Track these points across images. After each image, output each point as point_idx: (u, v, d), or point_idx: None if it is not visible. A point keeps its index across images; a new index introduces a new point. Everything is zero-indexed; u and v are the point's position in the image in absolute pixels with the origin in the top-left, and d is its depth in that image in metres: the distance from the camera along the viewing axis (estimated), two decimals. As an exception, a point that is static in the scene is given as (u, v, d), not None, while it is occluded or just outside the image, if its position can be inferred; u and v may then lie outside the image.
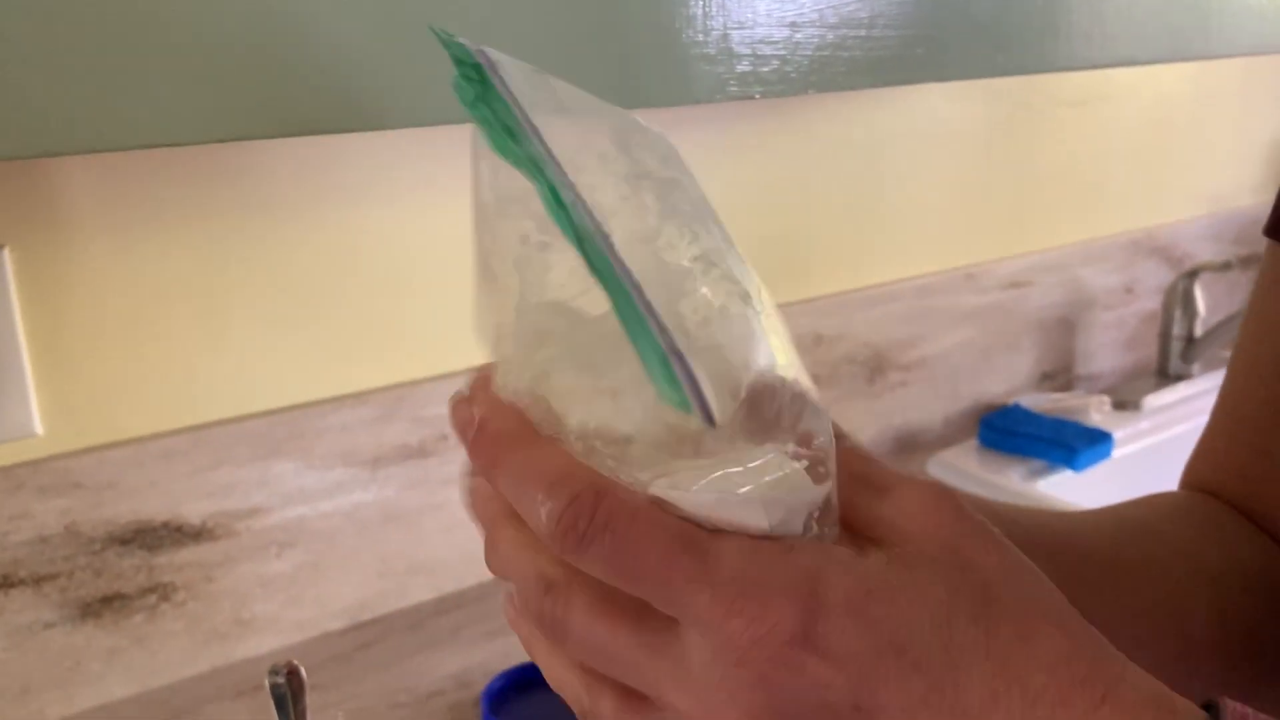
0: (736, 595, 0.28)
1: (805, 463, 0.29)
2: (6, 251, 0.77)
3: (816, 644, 0.27)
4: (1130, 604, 0.47)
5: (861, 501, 0.30)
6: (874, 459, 0.32)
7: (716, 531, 0.29)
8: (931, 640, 0.27)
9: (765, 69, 0.62)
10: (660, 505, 0.29)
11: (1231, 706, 0.30)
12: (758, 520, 0.28)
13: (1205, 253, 1.52)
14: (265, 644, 0.90)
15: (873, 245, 1.23)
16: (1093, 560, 0.47)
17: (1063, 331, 1.40)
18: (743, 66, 0.62)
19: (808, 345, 1.16)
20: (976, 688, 0.27)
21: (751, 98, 0.62)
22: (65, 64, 0.46)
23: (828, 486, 0.29)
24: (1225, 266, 1.37)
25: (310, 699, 0.85)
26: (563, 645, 0.31)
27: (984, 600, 0.28)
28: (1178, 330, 1.41)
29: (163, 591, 0.85)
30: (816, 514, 0.29)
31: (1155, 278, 1.48)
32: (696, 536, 0.28)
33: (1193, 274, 1.39)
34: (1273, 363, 0.51)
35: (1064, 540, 0.47)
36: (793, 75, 0.64)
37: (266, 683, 0.55)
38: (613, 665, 0.30)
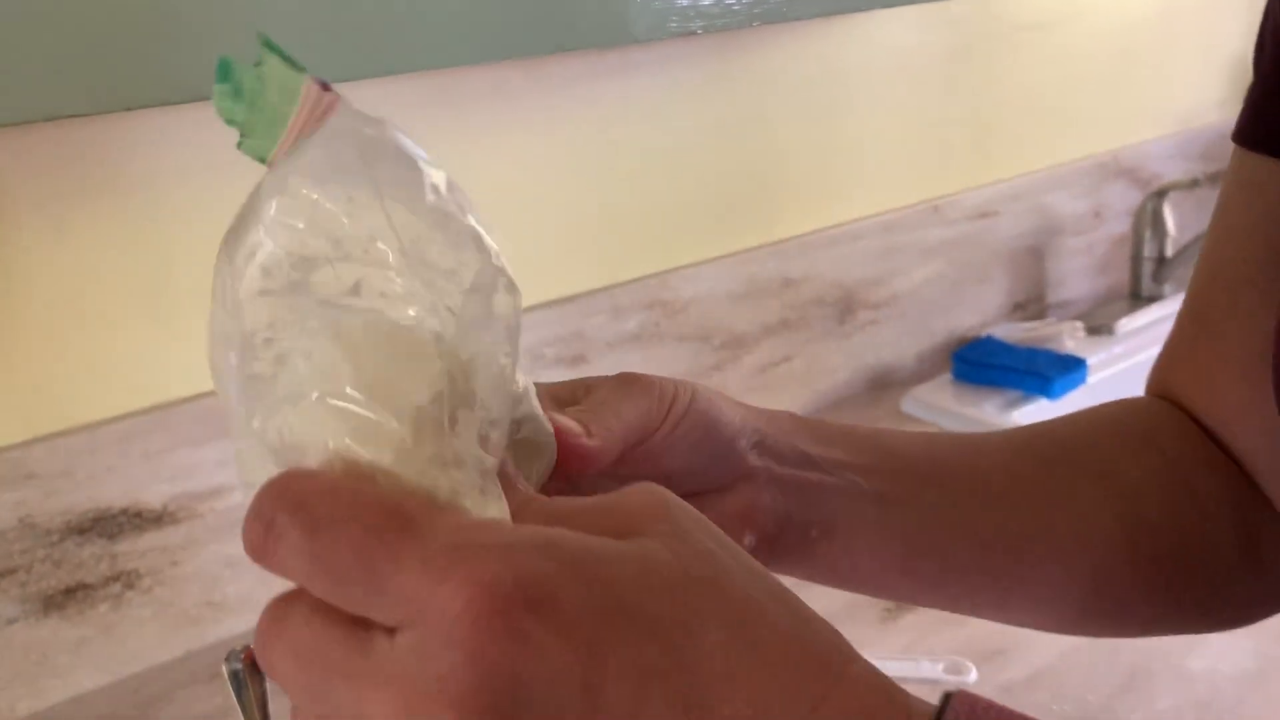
0: (448, 561, 0.24)
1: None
2: (-66, 239, 0.74)
3: (538, 606, 0.23)
4: (1032, 527, 0.47)
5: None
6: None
7: (439, 508, 0.26)
8: (665, 603, 0.25)
9: (705, 2, 0.60)
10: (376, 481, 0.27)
11: (960, 697, 0.28)
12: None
13: (1173, 172, 1.50)
14: (239, 625, 0.88)
15: (835, 183, 1.20)
16: (992, 483, 0.47)
17: (1032, 260, 1.39)
18: (683, 0, 0.59)
19: (775, 289, 1.15)
20: (713, 654, 0.25)
21: (693, 33, 0.59)
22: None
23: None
24: (1193, 184, 1.36)
25: (286, 678, 0.83)
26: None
27: (712, 563, 0.27)
28: (1148, 252, 1.40)
29: (127, 579, 0.83)
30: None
31: (1123, 200, 1.46)
32: (411, 511, 0.25)
33: (1161, 194, 1.38)
34: (1235, 268, 0.50)
35: (959, 466, 0.47)
36: (735, 7, 0.61)
37: (224, 670, 0.53)
38: (304, 696, 0.26)
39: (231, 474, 0.85)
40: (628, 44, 0.59)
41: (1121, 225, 1.46)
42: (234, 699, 0.55)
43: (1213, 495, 0.50)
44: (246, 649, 0.55)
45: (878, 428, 0.48)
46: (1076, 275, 1.44)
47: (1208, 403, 0.52)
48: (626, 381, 0.40)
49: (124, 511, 0.82)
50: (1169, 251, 1.39)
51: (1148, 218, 1.39)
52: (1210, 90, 1.57)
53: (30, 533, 0.79)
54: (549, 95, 0.91)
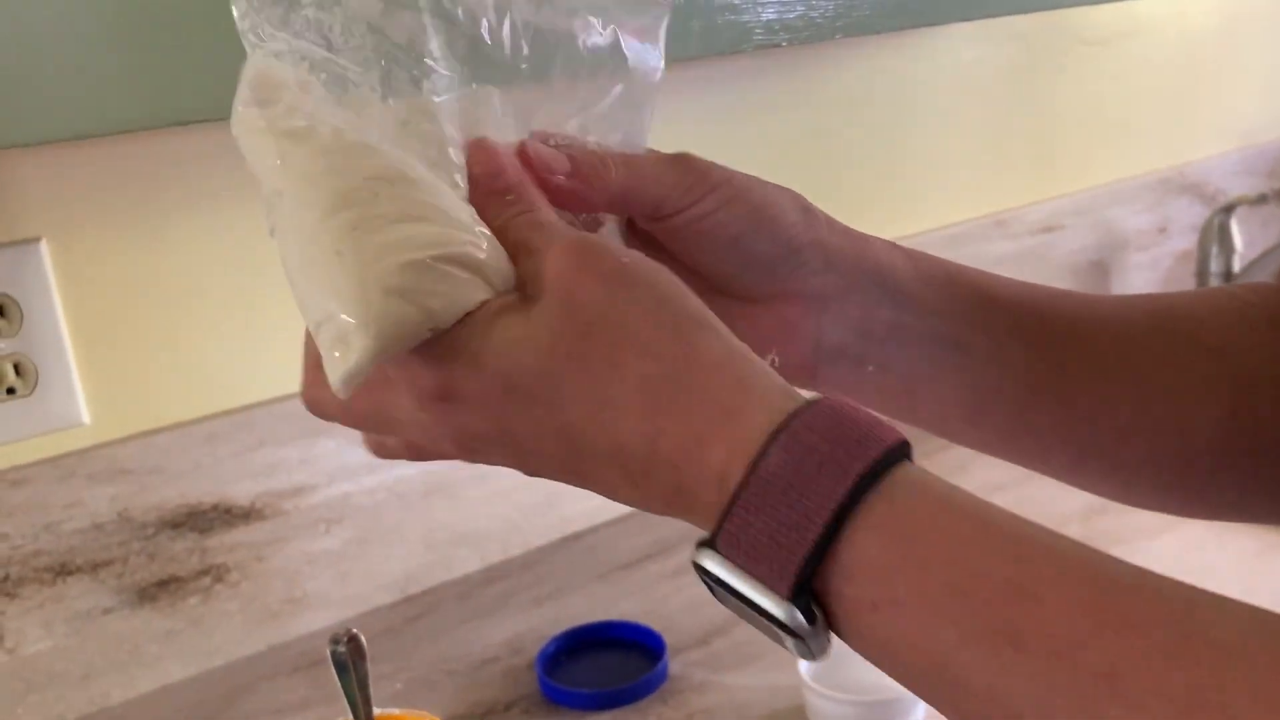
0: (405, 375, 0.37)
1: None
2: (44, 243, 0.77)
3: (454, 397, 0.36)
4: (1127, 394, 0.44)
5: (524, 265, 0.37)
6: (543, 225, 0.38)
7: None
8: (538, 377, 0.35)
9: (790, 15, 0.61)
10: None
11: (825, 403, 0.32)
12: None
13: (1239, 188, 1.49)
14: (318, 620, 0.91)
15: (901, 195, 1.22)
16: (1094, 342, 0.45)
17: (1096, 274, 1.39)
18: (768, 14, 0.61)
19: (840, 300, 1.16)
20: (577, 406, 0.35)
21: (778, 45, 0.61)
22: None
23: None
24: (1261, 200, 1.35)
25: (366, 671, 0.86)
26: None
27: (581, 338, 0.35)
28: (1215, 268, 1.39)
29: (216, 573, 0.86)
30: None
31: (1188, 216, 1.46)
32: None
33: (1228, 209, 1.37)
34: None
35: (1062, 319, 0.45)
36: (818, 20, 0.63)
37: (328, 651, 0.55)
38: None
39: (311, 473, 0.88)
40: (711, 56, 0.61)
41: (1187, 240, 1.45)
42: (335, 680, 0.57)
43: None
44: (349, 631, 0.57)
45: (988, 273, 0.45)
46: (1141, 290, 1.44)
47: None
48: (678, 158, 0.42)
49: (214, 507, 0.85)
50: (1236, 267, 1.38)
51: (1214, 233, 1.38)
52: (1276, 106, 1.57)
53: (127, 526, 0.82)
54: (624, 108, 0.93)
